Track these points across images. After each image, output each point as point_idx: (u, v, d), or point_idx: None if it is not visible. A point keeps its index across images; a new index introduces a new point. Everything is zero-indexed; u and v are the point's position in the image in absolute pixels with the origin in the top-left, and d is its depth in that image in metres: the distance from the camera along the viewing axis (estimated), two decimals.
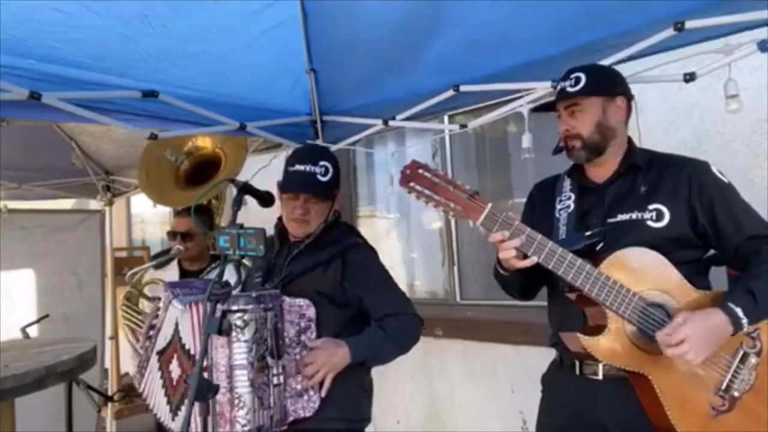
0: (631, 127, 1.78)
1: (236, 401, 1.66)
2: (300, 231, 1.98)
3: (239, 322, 1.66)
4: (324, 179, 1.95)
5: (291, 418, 1.79)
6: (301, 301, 1.83)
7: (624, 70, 2.16)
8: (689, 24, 1.84)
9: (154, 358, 1.95)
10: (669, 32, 1.89)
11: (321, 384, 1.82)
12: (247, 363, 1.67)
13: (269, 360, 1.73)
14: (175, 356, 1.84)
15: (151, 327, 1.98)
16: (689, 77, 2.01)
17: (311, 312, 1.82)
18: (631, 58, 2.05)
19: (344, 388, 1.88)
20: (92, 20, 2.01)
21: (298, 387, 1.79)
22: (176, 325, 1.82)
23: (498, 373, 3.31)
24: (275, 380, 1.74)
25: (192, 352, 1.77)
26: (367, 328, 1.91)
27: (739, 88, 1.95)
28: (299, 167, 1.95)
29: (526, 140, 2.38)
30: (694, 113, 2.61)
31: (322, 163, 1.96)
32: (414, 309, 1.96)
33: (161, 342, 1.93)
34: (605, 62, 2.10)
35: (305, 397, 1.80)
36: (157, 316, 1.96)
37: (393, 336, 1.88)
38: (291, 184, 1.96)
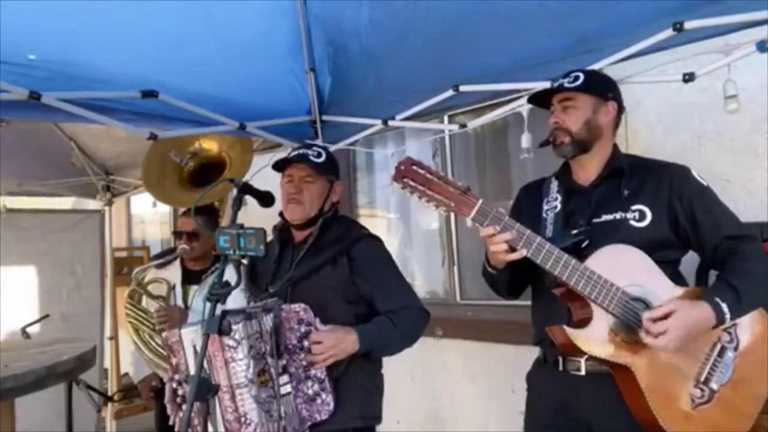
0: (620, 135, 1.86)
1: (242, 419, 1.65)
2: (295, 214, 1.98)
3: (231, 342, 1.65)
4: (317, 160, 1.99)
5: (308, 424, 1.77)
6: (297, 307, 1.81)
7: (624, 70, 2.17)
8: (688, 24, 1.85)
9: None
10: (668, 32, 1.89)
11: (332, 383, 1.81)
12: (246, 381, 1.66)
13: (272, 371, 1.71)
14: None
15: (178, 384, 1.79)
16: (688, 77, 2.01)
17: (309, 315, 1.81)
18: (631, 57, 2.06)
19: (361, 386, 1.90)
20: (91, 19, 2.01)
21: (310, 392, 1.78)
22: (194, 347, 1.74)
23: (498, 373, 3.31)
24: (283, 390, 1.72)
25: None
26: (376, 318, 1.91)
27: (737, 88, 1.96)
28: (293, 153, 2.04)
29: (525, 140, 2.38)
30: (694, 113, 2.60)
31: (315, 148, 2.05)
32: (420, 301, 1.99)
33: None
34: (605, 61, 2.11)
35: (318, 401, 1.78)
36: (176, 369, 1.80)
37: (401, 329, 1.89)
38: (285, 159, 2.02)
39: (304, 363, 1.78)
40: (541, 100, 1.86)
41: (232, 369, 1.66)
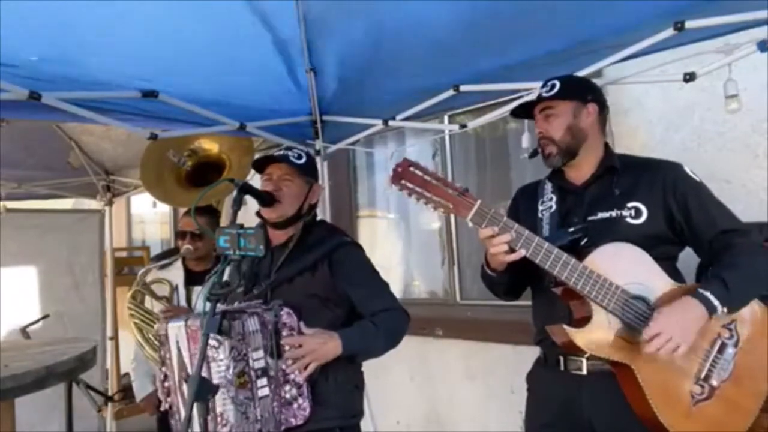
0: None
1: (219, 418, 1.66)
2: (273, 213, 1.97)
3: (213, 342, 1.65)
4: (296, 161, 1.99)
5: (283, 427, 1.77)
6: (282, 311, 1.81)
7: (624, 70, 2.17)
8: (689, 24, 1.85)
9: (179, 397, 1.84)
10: (669, 32, 1.89)
11: (309, 382, 1.81)
12: (226, 381, 1.66)
13: (252, 374, 1.72)
14: (184, 376, 1.80)
15: (165, 378, 1.87)
16: (689, 77, 2.01)
17: (292, 321, 1.80)
18: (631, 57, 2.06)
19: (339, 387, 1.90)
20: (92, 19, 2.01)
21: (287, 396, 1.78)
22: (177, 343, 1.79)
23: (498, 373, 3.31)
24: (261, 393, 1.73)
25: (188, 368, 1.75)
26: (359, 322, 1.92)
27: (738, 88, 1.96)
28: (274, 153, 2.04)
29: (525, 140, 2.39)
30: (694, 113, 2.61)
31: (295, 150, 2.04)
32: (399, 304, 1.99)
33: (177, 374, 1.86)
34: (606, 62, 2.11)
35: (295, 405, 1.78)
36: (163, 361, 1.87)
37: (384, 331, 1.90)
38: (264, 158, 2.02)
39: (283, 366, 1.77)
40: (524, 111, 1.87)
41: (212, 368, 1.67)
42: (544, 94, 1.76)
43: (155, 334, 1.89)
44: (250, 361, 1.73)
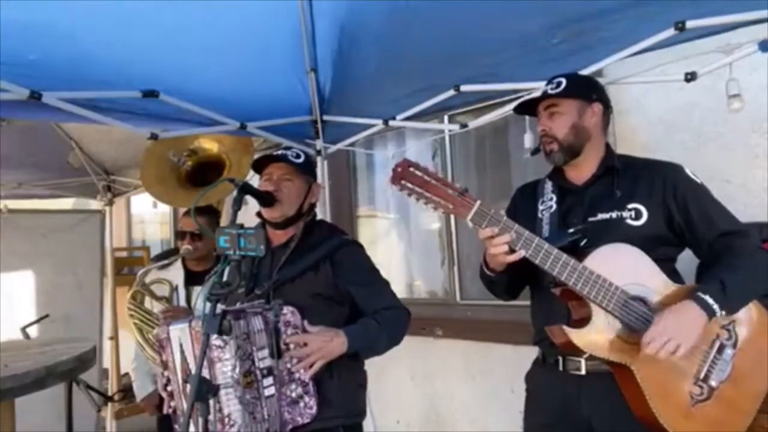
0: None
1: (226, 419, 1.65)
2: (274, 213, 1.97)
3: (219, 342, 1.65)
4: (296, 160, 1.99)
5: (290, 427, 1.78)
6: (285, 309, 1.81)
7: (625, 69, 2.17)
8: (690, 24, 1.85)
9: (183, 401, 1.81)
10: (670, 32, 1.89)
11: (315, 381, 1.80)
12: (232, 381, 1.66)
13: (258, 373, 1.71)
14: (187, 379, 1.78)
15: (167, 381, 1.85)
16: (690, 77, 2.01)
17: (296, 319, 1.80)
18: (632, 56, 2.06)
19: (343, 386, 1.90)
20: (92, 19, 2.01)
21: (293, 395, 1.78)
22: (181, 346, 1.78)
23: (498, 373, 3.32)
24: (267, 392, 1.73)
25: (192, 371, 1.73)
26: (362, 319, 1.92)
27: (740, 87, 1.96)
28: (272, 153, 2.04)
29: (527, 140, 2.38)
30: (694, 113, 2.61)
31: (294, 150, 2.05)
32: (401, 302, 2.01)
33: (181, 377, 1.84)
34: (607, 61, 2.11)
35: (301, 404, 1.78)
36: (165, 365, 1.84)
37: (387, 328, 1.91)
38: (264, 158, 2.02)
39: (288, 365, 1.77)
40: (528, 108, 1.87)
41: (218, 369, 1.67)
42: (550, 92, 1.75)
43: (155, 337, 1.86)
44: (256, 360, 1.73)
